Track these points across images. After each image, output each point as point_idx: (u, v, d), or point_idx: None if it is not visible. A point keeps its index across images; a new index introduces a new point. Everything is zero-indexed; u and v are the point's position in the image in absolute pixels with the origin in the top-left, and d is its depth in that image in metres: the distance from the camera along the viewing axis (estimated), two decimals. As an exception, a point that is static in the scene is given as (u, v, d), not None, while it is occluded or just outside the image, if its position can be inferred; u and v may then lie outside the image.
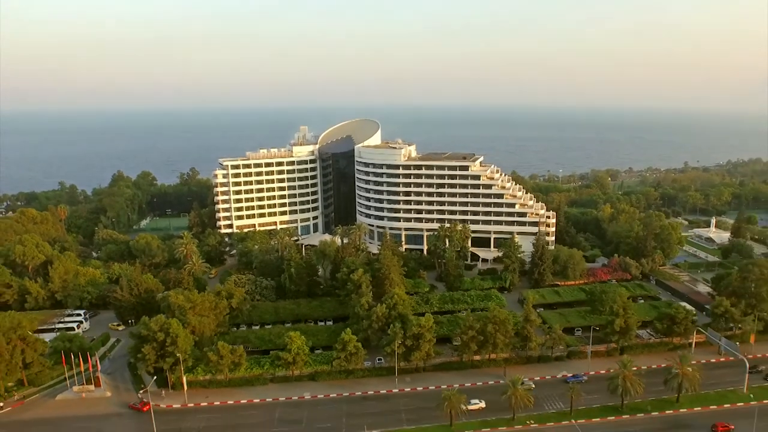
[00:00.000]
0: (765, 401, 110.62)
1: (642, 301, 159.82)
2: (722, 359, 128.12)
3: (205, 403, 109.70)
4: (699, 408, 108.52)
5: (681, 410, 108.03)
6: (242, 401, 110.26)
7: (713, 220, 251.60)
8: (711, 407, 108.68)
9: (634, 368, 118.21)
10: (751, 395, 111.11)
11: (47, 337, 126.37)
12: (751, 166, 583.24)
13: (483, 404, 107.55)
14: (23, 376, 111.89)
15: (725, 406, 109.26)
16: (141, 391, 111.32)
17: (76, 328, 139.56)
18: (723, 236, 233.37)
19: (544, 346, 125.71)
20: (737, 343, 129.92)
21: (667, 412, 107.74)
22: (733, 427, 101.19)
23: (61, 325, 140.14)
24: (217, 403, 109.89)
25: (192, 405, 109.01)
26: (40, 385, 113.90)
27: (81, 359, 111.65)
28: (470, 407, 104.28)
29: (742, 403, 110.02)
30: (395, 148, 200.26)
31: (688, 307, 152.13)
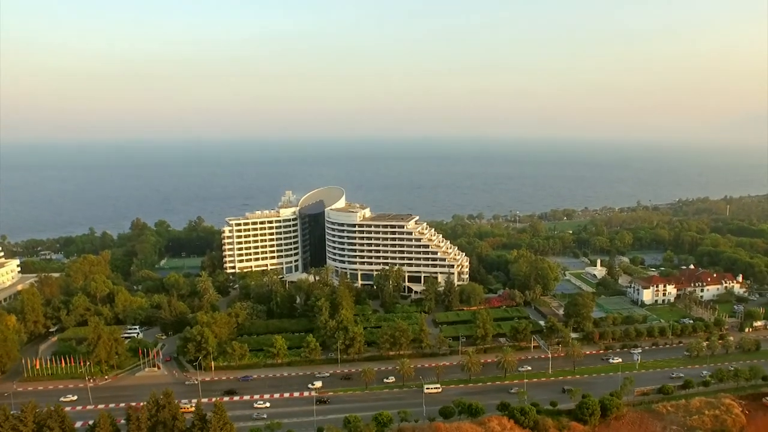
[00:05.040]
0: (560, 377, 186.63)
1: (517, 319, 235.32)
2: (550, 355, 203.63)
3: (225, 378, 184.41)
4: (500, 381, 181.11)
5: (505, 382, 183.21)
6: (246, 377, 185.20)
7: (599, 261, 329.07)
8: (514, 381, 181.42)
9: (491, 359, 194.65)
10: (551, 372, 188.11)
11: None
12: (696, 204, 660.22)
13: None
14: (115, 362, 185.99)
15: (525, 380, 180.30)
16: (185, 373, 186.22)
17: (136, 336, 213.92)
18: (603, 273, 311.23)
19: (434, 346, 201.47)
20: (561, 347, 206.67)
21: (497, 382, 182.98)
22: None
23: (125, 335, 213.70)
24: (232, 377, 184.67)
25: (217, 378, 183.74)
26: (124, 368, 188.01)
27: (146, 353, 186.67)
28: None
29: (544, 378, 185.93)
30: (353, 211, 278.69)
31: (541, 321, 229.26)
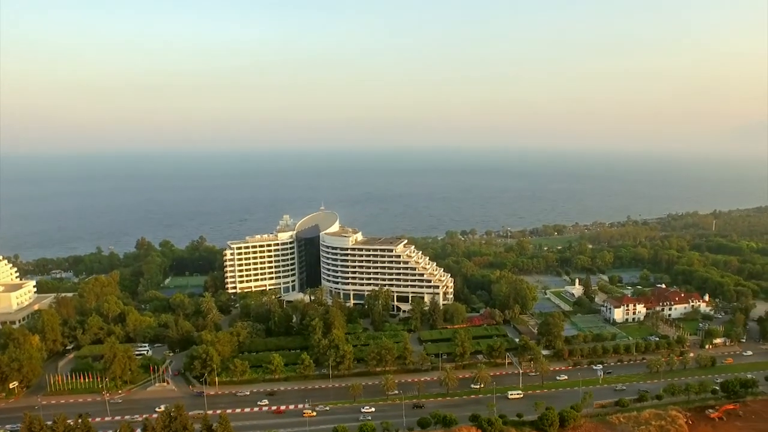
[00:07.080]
0: (530, 392, 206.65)
1: (495, 338, 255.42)
2: (521, 371, 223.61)
3: (227, 392, 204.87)
4: (489, 394, 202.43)
5: (479, 395, 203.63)
6: (246, 391, 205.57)
7: (577, 280, 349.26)
8: (496, 394, 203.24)
9: (468, 375, 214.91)
10: (520, 388, 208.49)
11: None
12: (684, 219, 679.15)
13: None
14: (128, 377, 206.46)
15: (472, 396, 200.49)
16: (190, 386, 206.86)
17: (146, 354, 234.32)
18: (581, 291, 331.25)
19: (417, 362, 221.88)
20: (532, 362, 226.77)
21: (473, 396, 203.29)
22: None
23: (136, 352, 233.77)
24: (234, 392, 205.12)
25: (220, 392, 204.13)
26: (136, 383, 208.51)
27: (156, 369, 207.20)
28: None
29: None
30: (346, 236, 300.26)
31: (517, 339, 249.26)
